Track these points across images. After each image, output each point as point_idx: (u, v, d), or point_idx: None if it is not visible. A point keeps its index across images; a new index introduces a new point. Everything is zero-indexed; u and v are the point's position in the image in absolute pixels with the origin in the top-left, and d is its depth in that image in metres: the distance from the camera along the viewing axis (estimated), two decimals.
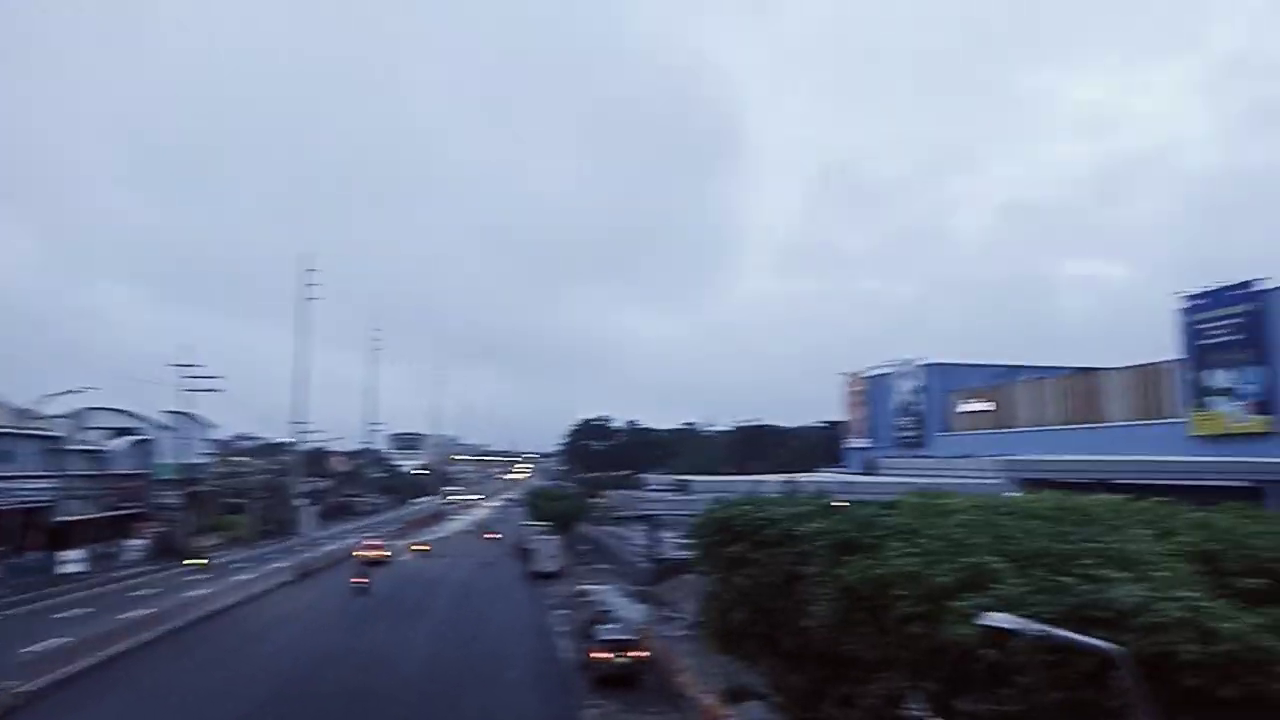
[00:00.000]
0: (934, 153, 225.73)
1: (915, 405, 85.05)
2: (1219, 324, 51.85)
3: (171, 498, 71.04)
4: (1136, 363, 62.08)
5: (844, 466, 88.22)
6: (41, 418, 59.28)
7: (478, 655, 32.54)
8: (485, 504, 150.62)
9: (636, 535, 55.96)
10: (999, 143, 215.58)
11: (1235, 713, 9.98)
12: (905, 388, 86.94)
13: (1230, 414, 50.88)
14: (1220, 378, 51.60)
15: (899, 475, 46.41)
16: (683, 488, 48.99)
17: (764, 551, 17.79)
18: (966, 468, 44.78)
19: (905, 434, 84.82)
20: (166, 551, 65.61)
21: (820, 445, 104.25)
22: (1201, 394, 53.26)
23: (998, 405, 76.16)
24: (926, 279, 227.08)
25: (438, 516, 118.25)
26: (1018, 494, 21.92)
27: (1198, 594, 10.88)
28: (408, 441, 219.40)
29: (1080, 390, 66.57)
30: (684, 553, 31.42)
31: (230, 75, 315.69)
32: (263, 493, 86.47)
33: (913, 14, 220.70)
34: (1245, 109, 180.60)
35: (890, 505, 17.88)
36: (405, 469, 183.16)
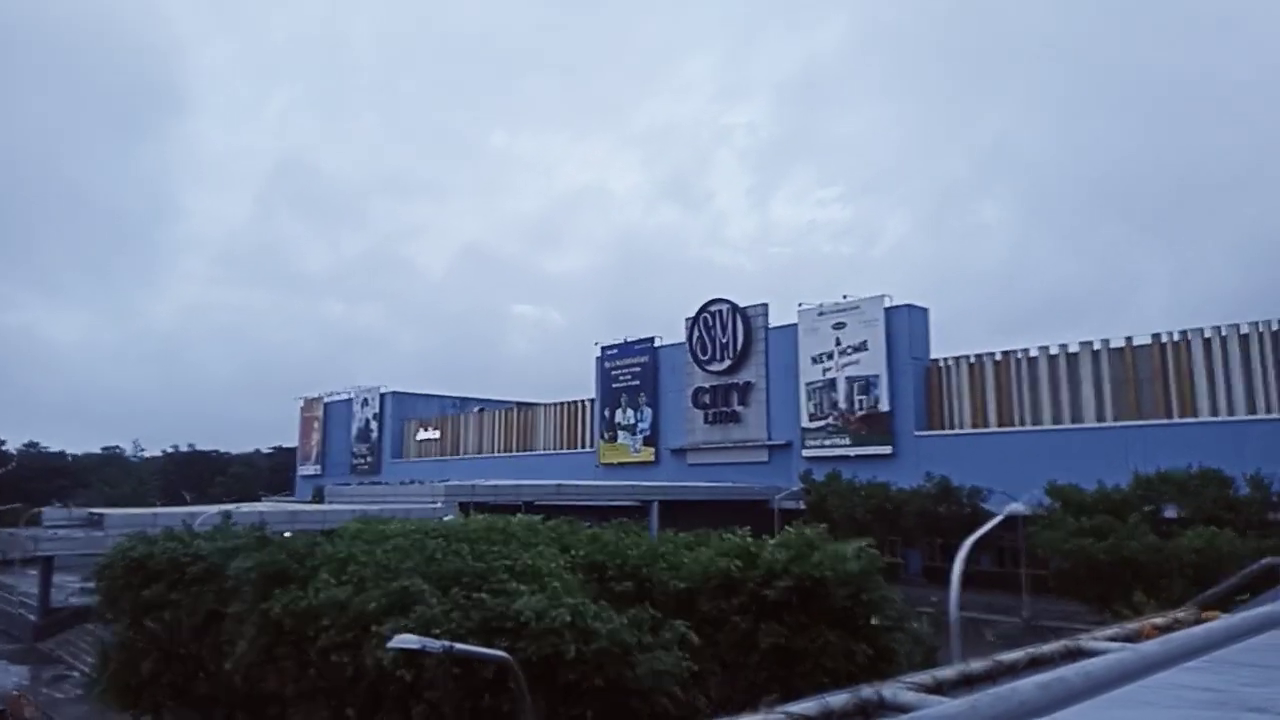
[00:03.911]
0: (401, 186, 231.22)
1: (372, 432, 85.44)
2: (625, 371, 62.23)
3: None
4: (564, 400, 71.30)
5: (293, 495, 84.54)
6: None
7: None
8: None
9: (25, 583, 46.47)
10: (462, 187, 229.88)
11: (603, 698, 12.05)
12: (363, 415, 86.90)
13: (630, 445, 61.19)
14: (625, 415, 61.82)
15: (348, 503, 46.02)
16: (95, 523, 42.08)
17: (185, 591, 16.43)
18: (414, 493, 46.27)
19: (360, 461, 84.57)
20: None
21: (269, 473, 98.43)
22: (610, 428, 63.18)
23: (449, 434, 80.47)
24: (387, 307, 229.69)
25: None
26: (453, 518, 23.48)
27: (581, 600, 12.93)
28: None
29: (517, 422, 73.84)
30: (86, 599, 27.04)
31: None
32: None
33: (392, 49, 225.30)
34: (665, 179, 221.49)
35: (330, 534, 17.82)
36: None
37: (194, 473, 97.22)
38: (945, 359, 48.40)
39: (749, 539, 16.76)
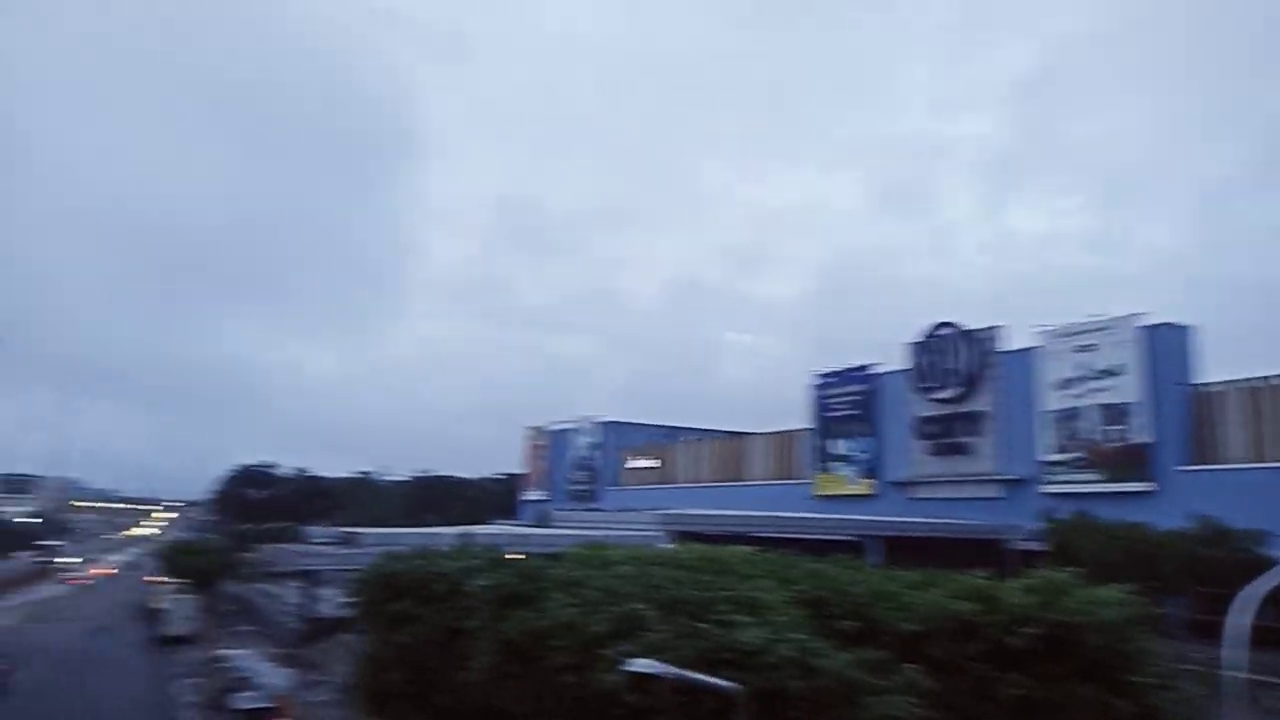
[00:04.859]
0: (614, 219, 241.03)
1: (590, 460, 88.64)
2: (842, 399, 60.46)
3: None
4: (776, 429, 70.36)
5: (519, 519, 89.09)
6: None
7: None
8: (109, 558, 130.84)
9: (292, 593, 51.92)
10: (672, 216, 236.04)
11: None
12: (582, 443, 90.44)
13: (847, 477, 59.21)
14: (839, 446, 59.96)
15: (570, 528, 47.77)
16: (350, 541, 46.41)
17: (429, 607, 17.45)
18: (630, 520, 47.24)
19: (579, 487, 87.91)
20: None
21: (497, 497, 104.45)
22: (825, 459, 61.48)
23: (662, 463, 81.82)
24: (601, 337, 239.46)
25: (45, 573, 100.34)
26: (670, 546, 23.61)
27: (806, 636, 12.44)
28: (16, 485, 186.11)
29: (729, 452, 73.68)
30: (342, 611, 29.68)
31: None
32: None
33: (606, 88, 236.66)
34: (881, 197, 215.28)
35: (555, 557, 18.41)
36: (11, 517, 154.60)
37: (433, 495, 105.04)
38: (1215, 384, 43.00)
39: (987, 580, 15.59)
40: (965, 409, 51.18)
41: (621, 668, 9.76)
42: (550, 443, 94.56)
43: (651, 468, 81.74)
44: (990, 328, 51.16)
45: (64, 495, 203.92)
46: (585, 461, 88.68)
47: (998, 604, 14.31)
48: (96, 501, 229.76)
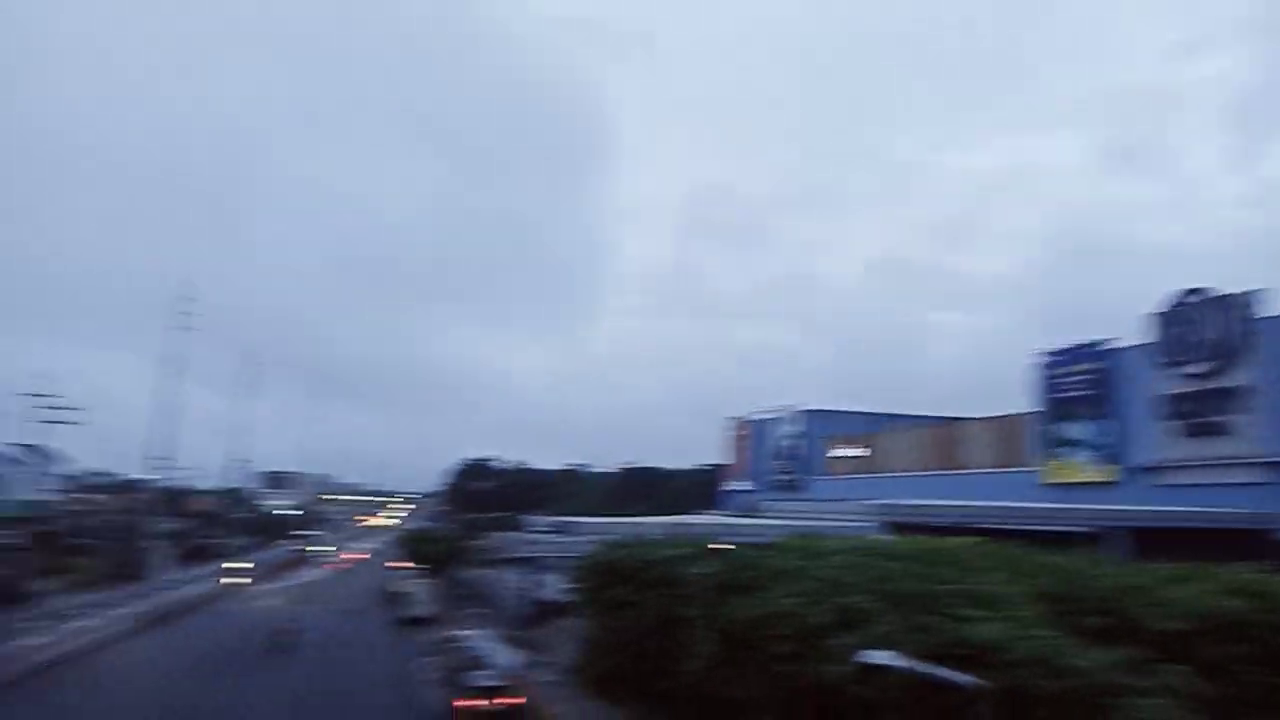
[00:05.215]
0: (808, 203, 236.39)
1: (794, 449, 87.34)
2: (1072, 379, 55.80)
3: (11, 537, 65.09)
4: (995, 414, 66.04)
5: (723, 508, 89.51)
6: None
7: (333, 708, 30.95)
8: (356, 545, 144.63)
9: (517, 578, 55.03)
10: (870, 196, 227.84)
11: None
12: (785, 432, 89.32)
13: (1083, 463, 54.61)
14: (1072, 430, 55.38)
15: (777, 518, 47.33)
16: (564, 529, 48.54)
17: (646, 594, 17.86)
18: (840, 511, 46.11)
19: (783, 477, 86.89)
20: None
21: (699, 487, 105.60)
22: (1054, 444, 56.99)
23: (870, 450, 79.17)
24: (799, 323, 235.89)
25: (303, 559, 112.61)
26: (887, 536, 22.73)
27: (1053, 633, 11.53)
28: (278, 480, 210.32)
29: (944, 439, 70.01)
30: (562, 596, 31.00)
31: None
32: (114, 533, 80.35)
33: (799, 70, 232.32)
34: (1109, 153, 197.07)
35: (768, 547, 18.25)
36: (274, 509, 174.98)
37: (638, 486, 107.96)
38: None
39: (1259, 575, 13.87)
40: (1221, 384, 45.66)
41: (856, 659, 9.44)
42: (752, 432, 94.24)
43: (859, 456, 79.42)
44: (1249, 291, 45.22)
45: (317, 489, 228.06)
46: (789, 451, 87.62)
47: (1275, 601, 12.69)
48: (343, 494, 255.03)
